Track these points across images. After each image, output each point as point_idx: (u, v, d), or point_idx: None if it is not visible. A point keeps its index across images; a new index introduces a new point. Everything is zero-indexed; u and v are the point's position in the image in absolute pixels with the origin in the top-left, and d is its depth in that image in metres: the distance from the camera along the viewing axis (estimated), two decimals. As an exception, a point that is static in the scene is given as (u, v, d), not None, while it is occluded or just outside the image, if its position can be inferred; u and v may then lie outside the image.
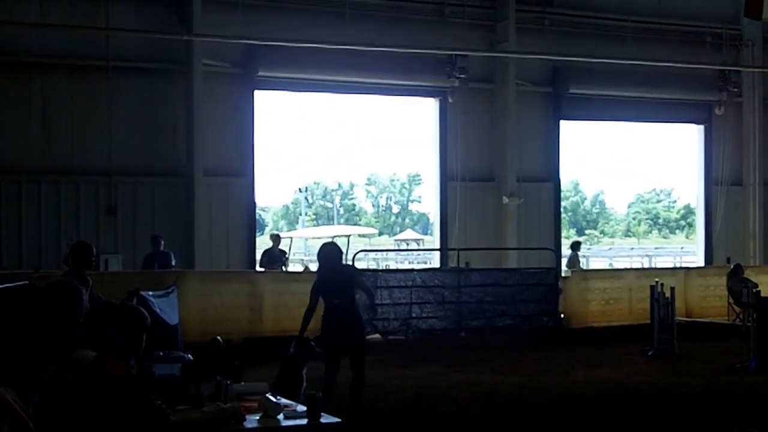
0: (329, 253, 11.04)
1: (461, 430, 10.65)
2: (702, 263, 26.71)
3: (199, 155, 20.83)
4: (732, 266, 20.02)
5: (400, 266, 35.21)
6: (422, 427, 10.78)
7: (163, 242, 19.06)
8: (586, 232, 79.50)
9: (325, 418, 6.18)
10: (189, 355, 8.56)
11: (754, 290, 17.40)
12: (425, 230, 65.65)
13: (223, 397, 6.48)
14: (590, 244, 65.94)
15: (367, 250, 31.67)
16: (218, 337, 8.20)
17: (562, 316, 19.40)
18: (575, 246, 24.21)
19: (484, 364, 15.55)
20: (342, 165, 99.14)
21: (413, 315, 18.47)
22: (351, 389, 10.65)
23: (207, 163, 21.00)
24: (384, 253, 47.45)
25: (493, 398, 12.52)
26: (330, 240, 12.00)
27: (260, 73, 21.82)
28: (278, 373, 9.72)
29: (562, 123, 25.52)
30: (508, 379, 14.11)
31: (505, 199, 23.75)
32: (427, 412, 11.67)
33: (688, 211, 73.22)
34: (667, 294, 16.80)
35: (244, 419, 6.04)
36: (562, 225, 26.53)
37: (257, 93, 22.53)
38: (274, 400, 6.35)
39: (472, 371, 14.84)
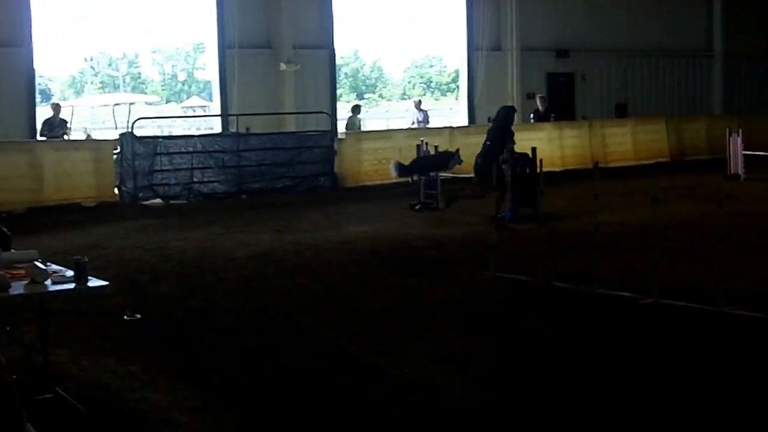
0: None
1: (238, 284, 10.66)
2: (466, 123, 27.45)
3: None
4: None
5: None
6: (201, 284, 10.73)
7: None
8: (366, 96, 79.88)
9: (92, 282, 6.00)
10: (-42, 226, 8.12)
11: (509, 146, 18.05)
12: (210, 97, 64.22)
13: (-10, 265, 6.19)
14: (369, 108, 66.44)
15: (146, 117, 30.58)
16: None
17: (338, 175, 19.62)
18: (355, 109, 24.06)
19: (264, 225, 15.50)
20: (127, 34, 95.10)
21: (194, 180, 18.26)
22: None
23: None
24: (171, 120, 46.33)
25: (270, 254, 12.56)
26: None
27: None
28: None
29: (336, -8, 25.30)
30: (285, 237, 14.12)
31: (283, 66, 23.53)
32: (207, 269, 11.62)
33: (457, 76, 74.64)
34: (432, 152, 17.19)
35: (9, 286, 5.82)
36: (342, 90, 26.54)
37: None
38: (41, 267, 6.10)
39: (252, 231, 14.79)
